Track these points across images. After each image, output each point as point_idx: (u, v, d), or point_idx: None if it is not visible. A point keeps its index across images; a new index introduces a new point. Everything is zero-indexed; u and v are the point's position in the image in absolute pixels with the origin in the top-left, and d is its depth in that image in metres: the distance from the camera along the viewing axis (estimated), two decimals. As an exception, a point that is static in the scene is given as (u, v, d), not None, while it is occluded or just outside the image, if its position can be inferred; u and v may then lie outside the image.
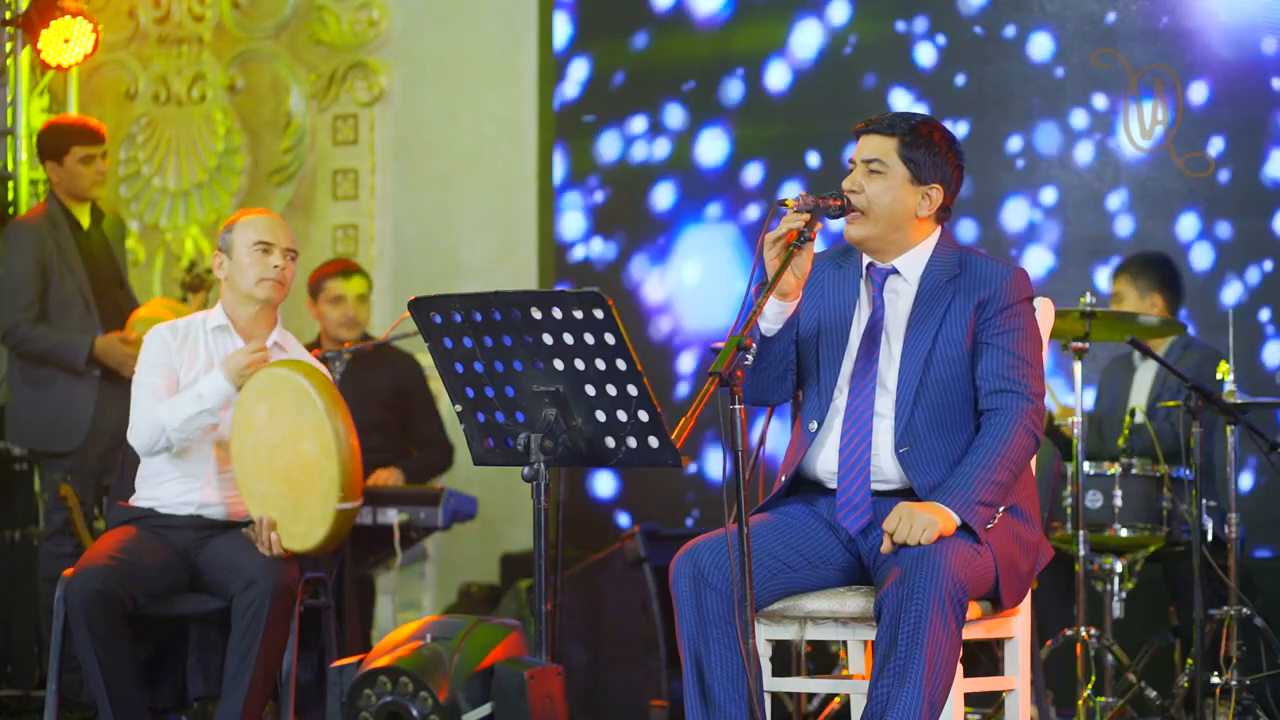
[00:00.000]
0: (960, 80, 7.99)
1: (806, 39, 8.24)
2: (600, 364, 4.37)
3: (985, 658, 6.10)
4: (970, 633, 4.31)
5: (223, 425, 5.46)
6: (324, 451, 5.30)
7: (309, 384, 5.33)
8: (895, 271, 4.47)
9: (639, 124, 8.48)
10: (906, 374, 4.40)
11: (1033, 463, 4.52)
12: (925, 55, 8.04)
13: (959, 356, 4.40)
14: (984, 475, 4.28)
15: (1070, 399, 6.32)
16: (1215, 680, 5.96)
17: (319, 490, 5.30)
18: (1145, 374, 6.89)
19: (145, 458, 5.51)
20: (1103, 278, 7.63)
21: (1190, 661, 5.99)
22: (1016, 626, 4.51)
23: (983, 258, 4.47)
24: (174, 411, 5.39)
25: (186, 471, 5.48)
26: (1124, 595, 6.39)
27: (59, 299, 7.05)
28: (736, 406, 4.03)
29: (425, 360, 7.52)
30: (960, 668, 4.21)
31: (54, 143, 7.16)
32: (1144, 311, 6.76)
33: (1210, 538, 6.17)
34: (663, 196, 8.45)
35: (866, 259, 4.51)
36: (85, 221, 7.19)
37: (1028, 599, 4.52)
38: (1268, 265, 7.62)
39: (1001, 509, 4.34)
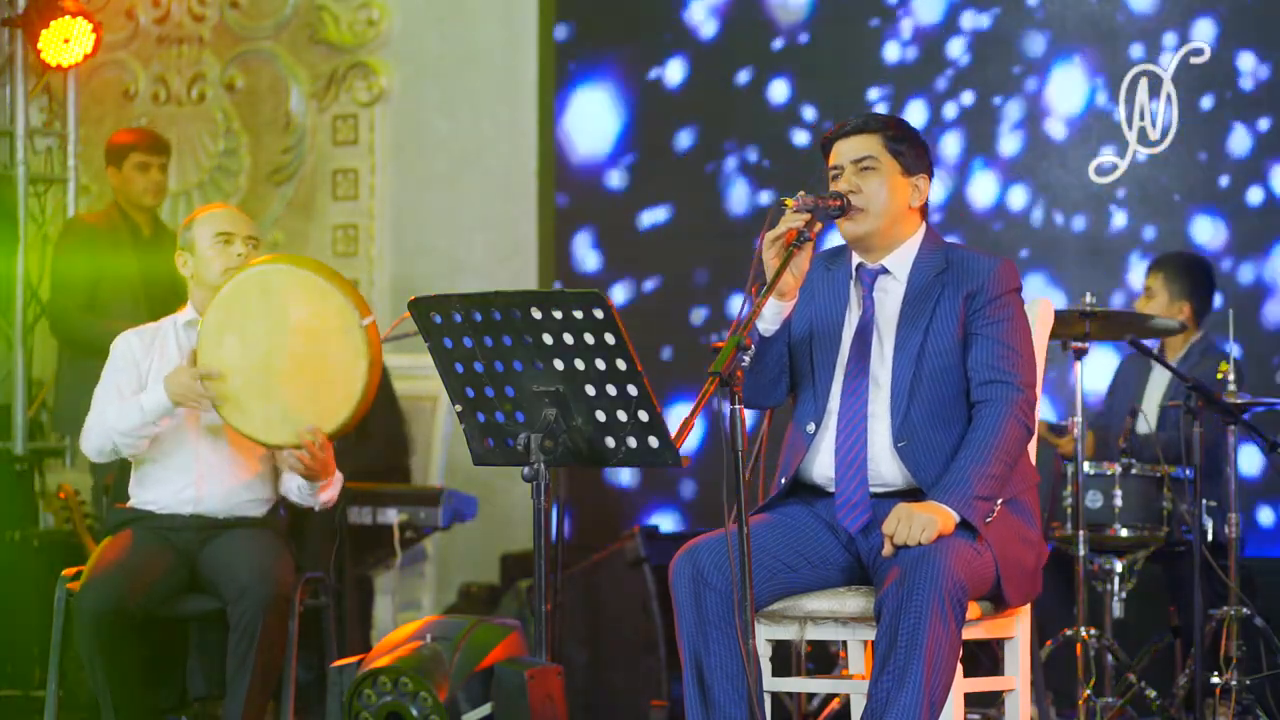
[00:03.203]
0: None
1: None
2: (600, 364, 4.37)
3: (985, 658, 6.09)
4: (970, 633, 4.31)
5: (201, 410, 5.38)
6: (317, 296, 5.19)
7: (251, 271, 5.25)
8: (885, 271, 4.48)
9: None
10: (900, 370, 4.41)
11: (1032, 451, 4.52)
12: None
13: (951, 349, 4.41)
14: (979, 470, 4.29)
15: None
16: (1215, 680, 5.95)
17: (336, 332, 5.19)
18: (1161, 374, 6.77)
19: (96, 460, 5.50)
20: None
21: (1190, 661, 5.99)
22: (1016, 626, 4.51)
23: (968, 251, 4.50)
24: (122, 418, 5.35)
25: (179, 468, 5.45)
26: (1124, 595, 6.38)
27: (110, 293, 7.23)
28: (736, 406, 4.03)
29: (387, 361, 7.48)
30: (960, 668, 4.22)
31: (116, 148, 7.44)
32: (1170, 315, 6.59)
33: (1210, 538, 6.17)
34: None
35: (856, 260, 4.52)
36: (146, 230, 7.42)
37: (1027, 599, 4.52)
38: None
39: (1000, 501, 4.34)
